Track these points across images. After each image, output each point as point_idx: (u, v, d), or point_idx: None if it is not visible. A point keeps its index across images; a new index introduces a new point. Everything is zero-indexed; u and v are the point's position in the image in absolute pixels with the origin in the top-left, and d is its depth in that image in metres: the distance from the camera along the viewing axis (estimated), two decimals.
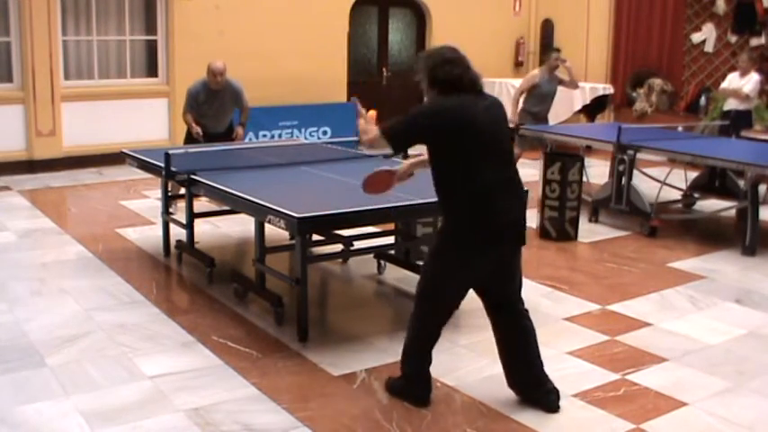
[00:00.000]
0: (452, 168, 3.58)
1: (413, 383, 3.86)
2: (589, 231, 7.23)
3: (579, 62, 12.79)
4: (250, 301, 5.23)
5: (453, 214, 3.63)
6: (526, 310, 3.87)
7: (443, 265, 3.70)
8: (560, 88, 9.45)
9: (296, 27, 11.16)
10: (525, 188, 3.81)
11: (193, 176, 5.42)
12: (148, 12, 10.43)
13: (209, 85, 7.34)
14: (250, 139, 10.54)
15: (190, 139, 7.43)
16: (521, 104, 9.19)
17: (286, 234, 5.66)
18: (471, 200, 3.54)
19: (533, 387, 3.85)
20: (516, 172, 3.74)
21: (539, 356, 3.85)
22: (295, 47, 11.18)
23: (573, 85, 9.43)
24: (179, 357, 4.36)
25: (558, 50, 9.40)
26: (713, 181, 7.86)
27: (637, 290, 5.66)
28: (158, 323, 4.87)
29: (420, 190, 4.99)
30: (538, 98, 9.06)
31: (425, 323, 3.83)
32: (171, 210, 6.98)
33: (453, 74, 3.63)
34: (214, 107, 7.43)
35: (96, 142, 9.82)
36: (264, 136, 10.81)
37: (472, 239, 3.57)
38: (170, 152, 5.62)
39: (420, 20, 12.91)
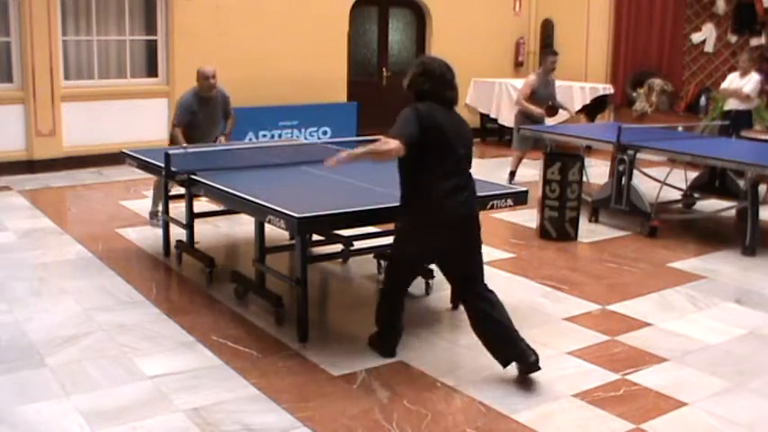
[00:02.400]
0: (415, 164, 4.05)
1: (384, 336, 4.43)
2: (589, 231, 7.23)
3: (579, 62, 12.82)
4: (250, 301, 5.23)
5: (410, 204, 4.15)
6: (491, 291, 4.23)
7: (403, 241, 4.29)
8: (559, 89, 9.46)
9: (296, 27, 11.16)
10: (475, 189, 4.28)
11: (193, 176, 5.42)
12: (148, 12, 10.43)
13: (201, 92, 6.94)
14: (250, 139, 10.55)
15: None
16: (517, 108, 9.24)
17: (286, 234, 5.66)
18: (426, 193, 4.06)
19: (515, 353, 4.10)
20: (471, 179, 4.23)
21: (511, 325, 4.14)
22: (295, 47, 11.18)
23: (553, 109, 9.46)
24: (179, 357, 4.36)
25: (556, 53, 9.39)
26: (713, 181, 7.86)
27: (637, 290, 5.66)
28: (158, 323, 4.87)
29: None
30: (535, 102, 9.07)
31: (392, 284, 4.42)
32: (157, 218, 6.98)
33: (423, 87, 4.15)
34: (206, 116, 7.04)
35: (96, 142, 9.82)
36: (264, 136, 10.81)
37: (422, 226, 4.12)
38: (170, 152, 5.62)
39: (420, 20, 12.91)
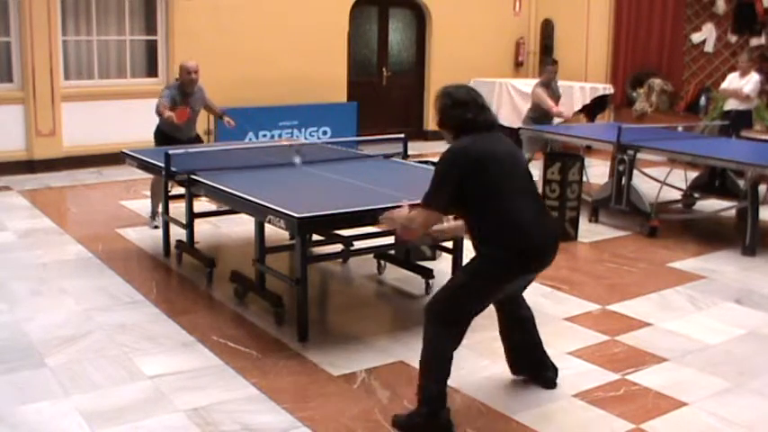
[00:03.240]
0: (482, 204, 3.57)
1: (436, 411, 3.60)
2: (589, 231, 7.23)
3: (579, 62, 12.83)
4: (250, 301, 5.23)
5: (488, 247, 3.60)
6: (523, 300, 4.06)
7: (473, 292, 3.63)
8: (561, 89, 9.46)
9: (296, 27, 11.16)
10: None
11: (193, 176, 5.42)
12: (148, 12, 10.43)
13: (185, 87, 7.07)
14: (250, 139, 10.55)
15: (162, 138, 7.11)
16: (524, 113, 9.26)
17: (286, 234, 5.66)
18: (505, 230, 3.56)
19: (536, 369, 4.07)
20: (544, 203, 3.90)
21: (539, 341, 4.07)
22: (295, 47, 11.18)
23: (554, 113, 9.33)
24: (179, 357, 4.36)
25: (555, 62, 9.37)
26: (713, 181, 7.86)
27: (637, 290, 5.66)
28: (158, 323, 4.87)
29: (420, 190, 4.99)
30: (537, 109, 9.07)
31: (445, 346, 3.68)
32: (157, 224, 7.08)
33: (464, 117, 3.71)
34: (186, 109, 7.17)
35: (96, 142, 9.82)
36: (264, 136, 10.82)
37: (508, 268, 3.59)
38: (170, 152, 5.62)
39: (420, 20, 12.91)
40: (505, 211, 3.56)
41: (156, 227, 7.15)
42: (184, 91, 7.13)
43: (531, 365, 4.10)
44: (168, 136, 7.03)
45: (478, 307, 3.66)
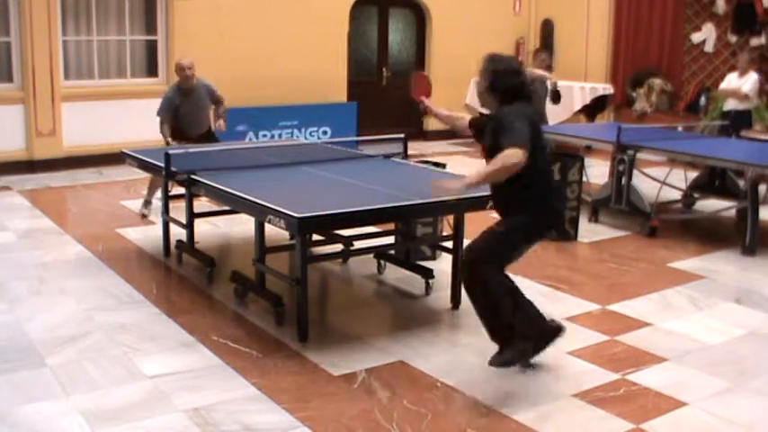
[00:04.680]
0: (532, 164, 3.84)
1: (540, 335, 4.11)
2: (589, 231, 7.23)
3: (579, 62, 12.83)
4: (250, 301, 5.23)
5: (527, 206, 3.99)
6: None
7: (511, 244, 4.05)
8: (560, 89, 9.44)
9: (296, 27, 11.16)
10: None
11: (193, 176, 5.42)
12: (148, 12, 10.43)
13: (181, 85, 7.34)
14: (250, 139, 10.56)
15: (174, 134, 7.34)
16: None
17: (286, 234, 5.66)
18: (546, 195, 4.05)
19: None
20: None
21: None
22: (295, 47, 11.18)
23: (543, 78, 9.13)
24: (179, 357, 4.36)
25: (541, 50, 9.31)
26: (713, 181, 7.86)
27: (637, 290, 5.66)
28: (158, 323, 4.87)
29: (420, 190, 5.00)
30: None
31: (502, 280, 4.02)
32: (145, 212, 7.47)
33: (516, 81, 4.00)
34: (191, 106, 7.40)
35: (96, 142, 9.82)
36: (264, 136, 10.82)
37: (542, 222, 4.09)
38: (170, 152, 5.62)
39: (420, 20, 12.91)
40: (546, 176, 4.13)
41: (144, 215, 7.41)
42: (183, 89, 7.28)
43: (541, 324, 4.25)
44: (179, 132, 7.30)
45: (512, 258, 4.09)
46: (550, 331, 4.19)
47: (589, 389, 4.05)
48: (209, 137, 7.61)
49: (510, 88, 3.97)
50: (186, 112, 7.39)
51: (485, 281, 3.97)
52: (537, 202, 3.99)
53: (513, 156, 3.74)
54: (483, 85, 4.07)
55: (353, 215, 4.52)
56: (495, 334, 4.13)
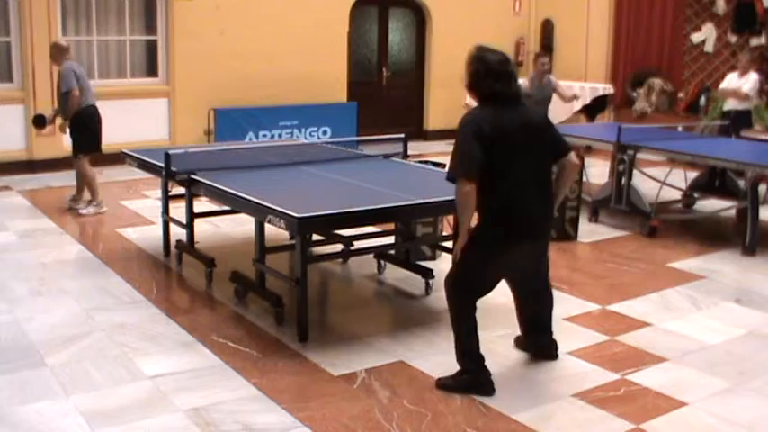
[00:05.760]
0: (485, 175, 3.72)
1: (476, 374, 4.00)
2: (589, 231, 7.23)
3: (579, 62, 12.82)
4: (250, 301, 5.23)
5: (481, 216, 3.85)
6: (550, 293, 4.35)
7: (472, 260, 3.90)
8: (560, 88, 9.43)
9: (296, 27, 11.16)
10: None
11: (193, 176, 5.42)
12: (148, 12, 10.43)
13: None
14: (250, 139, 10.56)
15: (79, 130, 7.61)
16: None
17: (286, 234, 5.66)
18: (496, 202, 3.78)
19: (539, 334, 4.36)
20: (548, 177, 3.97)
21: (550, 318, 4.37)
22: (295, 47, 11.18)
23: (567, 100, 9.26)
24: (179, 357, 4.36)
25: (544, 55, 9.26)
26: (713, 181, 7.86)
27: (637, 290, 5.65)
28: (158, 323, 4.87)
29: (420, 190, 5.01)
30: (532, 105, 8.99)
31: (461, 313, 3.99)
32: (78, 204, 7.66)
33: (494, 89, 3.78)
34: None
35: None
36: (264, 136, 10.82)
37: (494, 238, 3.84)
38: (170, 152, 5.62)
39: (420, 20, 12.91)
40: (505, 194, 3.77)
41: (70, 208, 7.56)
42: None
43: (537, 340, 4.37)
44: (88, 112, 7.61)
45: (482, 277, 3.95)
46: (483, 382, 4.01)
47: (589, 389, 4.05)
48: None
49: (488, 93, 3.81)
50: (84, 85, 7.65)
51: (449, 308, 4.04)
52: (494, 214, 3.79)
53: (458, 194, 3.73)
54: (465, 83, 3.91)
55: (353, 215, 4.53)
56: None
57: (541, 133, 3.94)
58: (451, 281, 3.98)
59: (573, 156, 4.05)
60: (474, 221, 3.84)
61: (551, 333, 4.41)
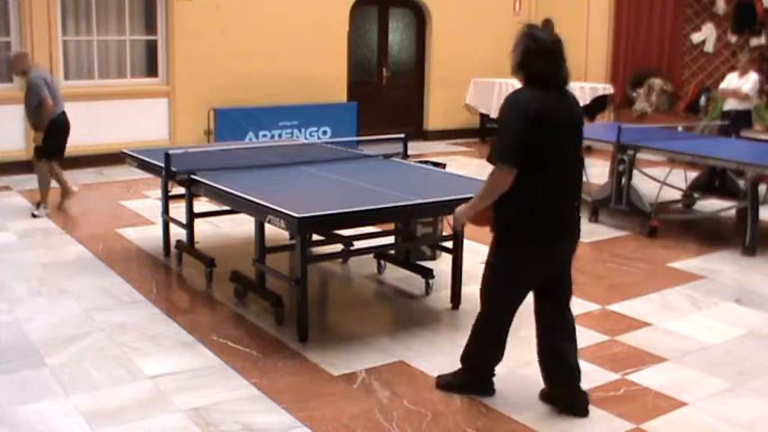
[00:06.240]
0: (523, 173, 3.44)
1: (480, 377, 3.91)
2: (589, 231, 7.23)
3: (579, 62, 12.81)
4: (250, 301, 5.23)
5: (504, 213, 3.55)
6: (571, 316, 3.83)
7: (503, 262, 3.66)
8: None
9: (296, 27, 11.16)
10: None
11: (193, 176, 5.42)
12: (148, 12, 10.44)
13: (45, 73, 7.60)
14: (250, 139, 10.56)
15: (52, 137, 7.47)
16: None
17: (286, 234, 5.66)
18: (530, 192, 3.47)
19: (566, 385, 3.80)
20: (580, 174, 3.76)
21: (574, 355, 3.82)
22: (295, 47, 11.19)
23: None
24: (179, 357, 4.36)
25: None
26: (713, 181, 7.86)
27: (637, 290, 5.65)
28: (158, 323, 4.87)
29: (420, 190, 5.00)
30: None
31: (489, 325, 3.81)
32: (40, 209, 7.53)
33: (545, 69, 3.49)
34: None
35: (96, 142, 9.82)
36: (264, 136, 10.82)
37: (526, 232, 3.53)
38: (170, 152, 5.62)
39: (420, 20, 12.91)
40: (542, 185, 3.46)
41: (34, 215, 7.44)
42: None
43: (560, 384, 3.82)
44: (55, 119, 7.43)
45: (503, 294, 3.71)
46: (484, 383, 3.93)
47: (589, 389, 4.03)
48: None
49: (538, 74, 3.48)
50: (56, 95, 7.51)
51: (479, 314, 3.82)
52: (525, 204, 3.50)
53: (496, 177, 3.46)
54: (514, 61, 3.56)
55: (353, 215, 4.53)
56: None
57: (580, 128, 3.68)
58: (485, 292, 3.74)
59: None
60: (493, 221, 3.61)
61: (579, 382, 3.80)
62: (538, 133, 3.40)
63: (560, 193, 3.57)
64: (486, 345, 3.86)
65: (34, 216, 7.48)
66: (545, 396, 3.89)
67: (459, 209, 3.74)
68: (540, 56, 3.48)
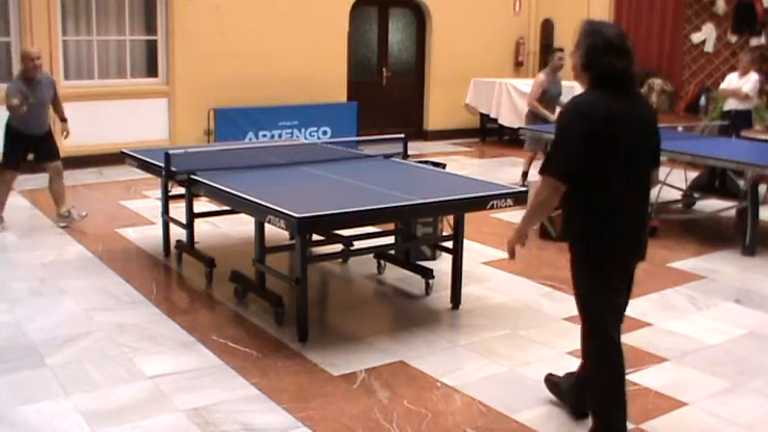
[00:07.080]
0: (588, 175, 3.17)
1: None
2: None
3: None
4: (250, 301, 5.23)
5: (578, 229, 3.35)
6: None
7: (589, 292, 3.44)
8: (565, 88, 9.45)
9: (296, 27, 11.16)
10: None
11: (193, 176, 5.42)
12: (148, 12, 10.43)
13: (28, 74, 6.83)
14: (250, 139, 10.56)
15: (12, 135, 6.99)
16: (525, 113, 9.30)
17: (286, 234, 5.66)
18: (596, 213, 3.24)
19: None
20: (648, 189, 3.40)
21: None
22: (295, 47, 11.19)
23: None
24: (179, 357, 4.36)
25: (561, 50, 9.34)
26: (713, 181, 7.85)
27: (637, 290, 5.59)
28: (158, 323, 4.87)
29: (420, 190, 5.00)
30: (545, 102, 9.09)
31: (600, 358, 3.44)
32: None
33: (614, 66, 3.14)
34: (36, 99, 6.88)
35: (96, 142, 9.81)
36: (264, 136, 10.82)
37: (602, 254, 3.34)
38: (170, 152, 5.62)
39: (420, 20, 12.91)
40: (611, 200, 3.18)
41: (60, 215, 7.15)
42: (28, 79, 6.87)
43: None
44: (19, 132, 6.94)
45: (602, 312, 3.40)
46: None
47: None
48: (49, 139, 7.22)
49: (607, 74, 3.15)
50: (30, 107, 6.84)
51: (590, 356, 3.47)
52: (597, 220, 3.24)
53: (544, 191, 3.20)
54: (576, 61, 3.25)
55: (353, 215, 4.52)
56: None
57: (652, 133, 3.34)
58: (588, 329, 3.44)
59: (657, 172, 3.50)
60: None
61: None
62: (606, 145, 3.12)
63: (634, 206, 3.30)
64: (609, 375, 3.42)
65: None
66: (550, 384, 3.87)
67: (511, 237, 3.46)
68: (607, 52, 3.13)
